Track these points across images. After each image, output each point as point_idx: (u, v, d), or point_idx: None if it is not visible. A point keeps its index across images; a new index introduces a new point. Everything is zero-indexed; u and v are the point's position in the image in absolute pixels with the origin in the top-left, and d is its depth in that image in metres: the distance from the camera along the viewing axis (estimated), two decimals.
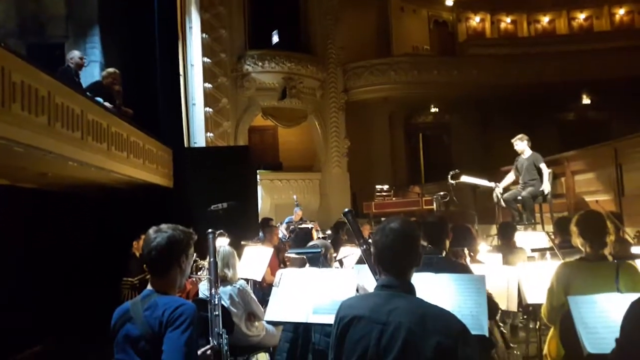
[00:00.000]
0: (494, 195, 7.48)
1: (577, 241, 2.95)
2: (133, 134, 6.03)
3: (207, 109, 12.05)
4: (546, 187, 7.01)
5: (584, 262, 2.90)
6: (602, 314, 2.29)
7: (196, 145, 11.35)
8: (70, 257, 5.81)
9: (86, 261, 6.06)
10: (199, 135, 11.75)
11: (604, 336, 2.20)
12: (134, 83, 7.50)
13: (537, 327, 3.86)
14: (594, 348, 2.21)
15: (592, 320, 2.28)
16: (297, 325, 2.90)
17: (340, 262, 4.60)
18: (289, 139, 15.20)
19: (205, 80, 12.06)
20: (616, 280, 2.62)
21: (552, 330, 3.08)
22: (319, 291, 2.67)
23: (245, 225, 7.29)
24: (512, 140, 7.38)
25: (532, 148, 7.26)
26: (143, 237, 2.31)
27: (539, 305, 3.19)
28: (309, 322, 2.62)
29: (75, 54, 6.42)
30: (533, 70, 14.95)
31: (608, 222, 2.92)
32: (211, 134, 12.04)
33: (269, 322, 4.02)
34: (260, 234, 6.76)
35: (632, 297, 2.08)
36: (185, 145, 10.14)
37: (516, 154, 7.42)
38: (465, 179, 7.79)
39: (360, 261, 3.70)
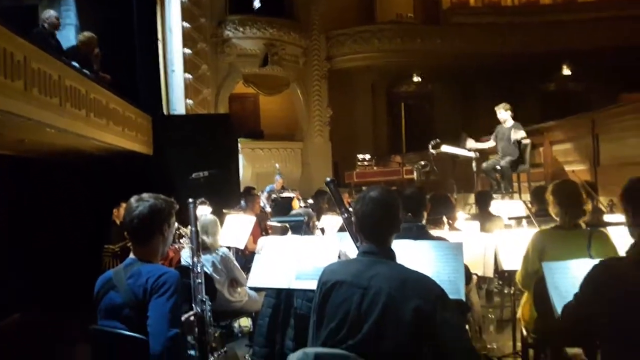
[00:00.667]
0: (473, 164, 7.57)
1: (553, 210, 3.03)
2: (112, 100, 5.92)
3: (187, 75, 11.78)
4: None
5: (558, 230, 2.98)
6: (573, 279, 2.36)
7: (176, 113, 11.17)
8: (49, 225, 5.76)
9: (65, 229, 6.02)
10: (178, 103, 11.53)
11: None
12: (111, 48, 7.28)
13: (511, 292, 4.00)
14: None
15: (564, 285, 2.35)
16: (279, 291, 2.95)
17: (322, 231, 4.65)
18: (270, 107, 15.03)
19: (184, 46, 11.76)
20: (588, 247, 2.70)
21: (525, 295, 3.19)
22: (301, 257, 2.71)
23: (227, 193, 7.28)
24: (496, 108, 7.41)
25: (514, 118, 7.32)
26: (123, 204, 2.30)
27: (514, 272, 3.29)
28: (291, 287, 2.66)
29: (50, 14, 6.21)
30: (517, 39, 14.89)
31: (582, 191, 3.00)
32: (191, 101, 11.81)
33: (251, 288, 4.07)
34: (242, 202, 6.77)
35: None
36: (165, 113, 9.99)
37: (498, 124, 7.47)
38: (445, 148, 7.84)
39: (341, 229, 3.76)
